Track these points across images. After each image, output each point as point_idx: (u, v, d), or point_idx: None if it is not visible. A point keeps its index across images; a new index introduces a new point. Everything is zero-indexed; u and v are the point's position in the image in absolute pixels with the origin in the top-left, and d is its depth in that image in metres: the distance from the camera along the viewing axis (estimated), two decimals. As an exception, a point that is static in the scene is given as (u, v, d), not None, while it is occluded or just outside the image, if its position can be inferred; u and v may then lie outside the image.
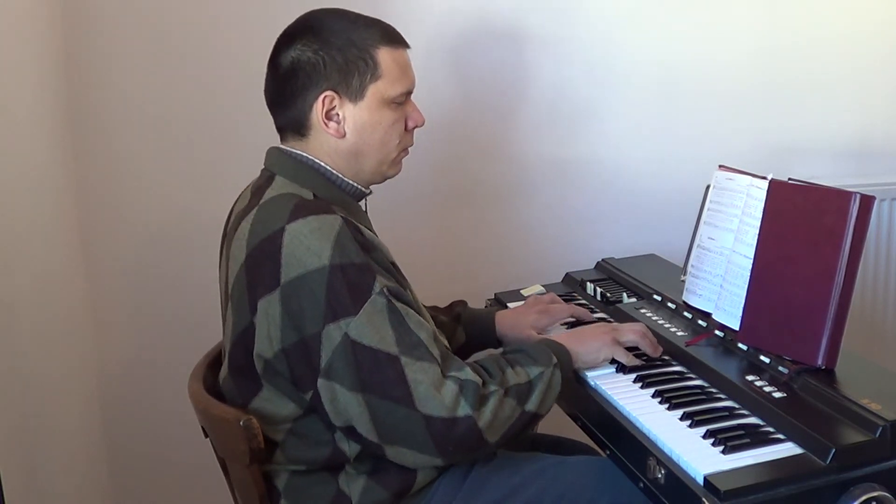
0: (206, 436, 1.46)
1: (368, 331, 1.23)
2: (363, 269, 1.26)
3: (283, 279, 1.25)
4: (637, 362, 1.45)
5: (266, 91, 1.42)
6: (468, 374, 1.27)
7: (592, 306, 1.79)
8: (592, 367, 1.46)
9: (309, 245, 1.24)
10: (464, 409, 1.23)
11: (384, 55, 1.37)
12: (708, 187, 1.66)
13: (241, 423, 1.27)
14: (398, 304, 1.27)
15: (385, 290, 1.26)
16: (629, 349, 1.47)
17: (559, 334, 1.49)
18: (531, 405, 1.31)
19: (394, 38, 1.40)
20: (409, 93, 1.42)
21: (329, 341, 1.23)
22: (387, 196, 2.14)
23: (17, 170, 1.59)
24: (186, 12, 1.99)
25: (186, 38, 2.00)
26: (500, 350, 1.41)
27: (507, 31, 2.20)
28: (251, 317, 1.29)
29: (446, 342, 1.53)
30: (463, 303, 1.75)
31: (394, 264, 1.38)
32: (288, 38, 1.38)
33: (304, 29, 1.37)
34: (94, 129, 1.99)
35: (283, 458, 1.35)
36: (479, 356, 1.47)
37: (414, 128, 1.45)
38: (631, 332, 1.47)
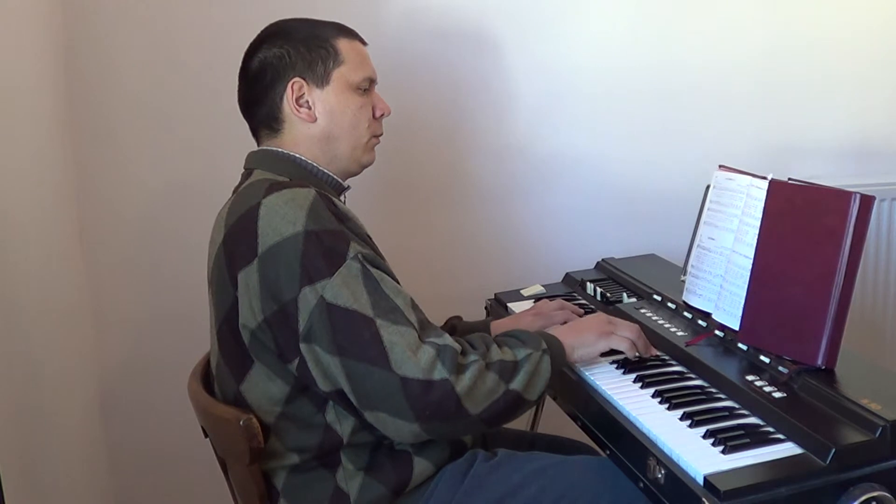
0: (206, 436, 1.46)
1: (344, 292, 1.25)
2: (338, 234, 1.29)
3: (259, 249, 1.28)
4: (635, 353, 1.45)
5: (239, 98, 1.50)
6: (447, 340, 1.28)
7: (592, 306, 1.79)
8: (591, 363, 1.46)
9: (284, 214, 1.27)
10: (440, 373, 1.23)
11: (343, 44, 1.46)
12: (708, 187, 1.66)
13: (241, 422, 1.28)
14: (373, 270, 1.29)
15: (360, 255, 1.29)
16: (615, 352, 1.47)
17: (556, 327, 1.48)
18: (516, 384, 1.29)
19: (351, 32, 1.50)
20: (371, 81, 1.49)
21: (305, 304, 1.25)
22: (387, 196, 2.15)
23: (16, 167, 1.59)
24: (186, 9, 2.00)
25: (186, 35, 2.01)
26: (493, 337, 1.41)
27: (507, 31, 2.21)
28: (234, 292, 1.32)
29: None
30: (458, 318, 1.75)
31: (370, 237, 1.40)
32: (253, 46, 1.48)
33: (267, 34, 1.48)
34: (93, 126, 1.99)
35: (278, 446, 1.35)
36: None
37: (381, 116, 1.51)
38: (627, 329, 1.47)
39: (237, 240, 1.31)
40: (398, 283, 1.35)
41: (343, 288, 1.25)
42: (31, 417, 1.59)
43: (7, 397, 1.47)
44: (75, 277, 1.97)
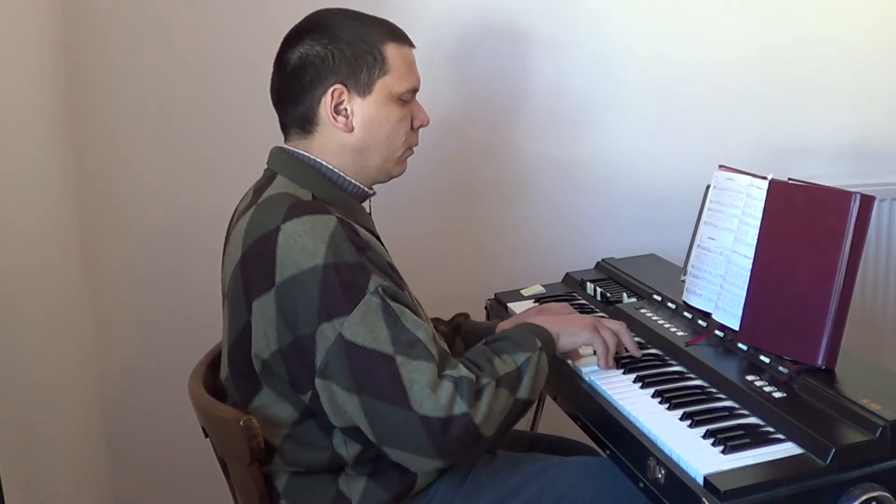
0: (206, 436, 1.46)
1: (362, 330, 1.22)
2: (357, 268, 1.25)
3: (277, 279, 1.25)
4: (603, 362, 1.44)
5: (272, 89, 1.42)
6: (462, 370, 1.25)
7: (592, 306, 1.79)
8: (591, 362, 1.45)
9: (304, 245, 1.24)
10: (460, 407, 1.21)
11: (392, 51, 1.38)
12: (708, 187, 1.66)
13: (241, 423, 1.27)
14: (393, 304, 1.26)
15: (380, 289, 1.25)
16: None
17: (539, 317, 1.46)
18: (523, 392, 1.29)
19: (401, 37, 1.42)
20: (415, 90, 1.43)
21: (323, 341, 1.23)
22: (387, 196, 2.14)
23: (17, 168, 1.59)
24: (188, 9, 1.99)
25: (188, 35, 2.00)
26: (484, 341, 1.39)
27: (508, 31, 2.20)
28: (248, 317, 1.29)
29: (447, 347, 1.52)
30: (465, 315, 1.74)
31: (391, 265, 1.36)
32: (296, 36, 1.39)
33: (313, 26, 1.39)
34: (94, 127, 1.99)
35: (281, 463, 1.35)
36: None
37: (419, 127, 1.45)
38: (615, 323, 1.47)
39: (254, 263, 1.28)
40: (419, 316, 1.32)
41: (361, 325, 1.22)
42: (31, 419, 1.59)
43: (7, 399, 1.47)
44: (76, 279, 1.97)
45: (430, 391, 1.21)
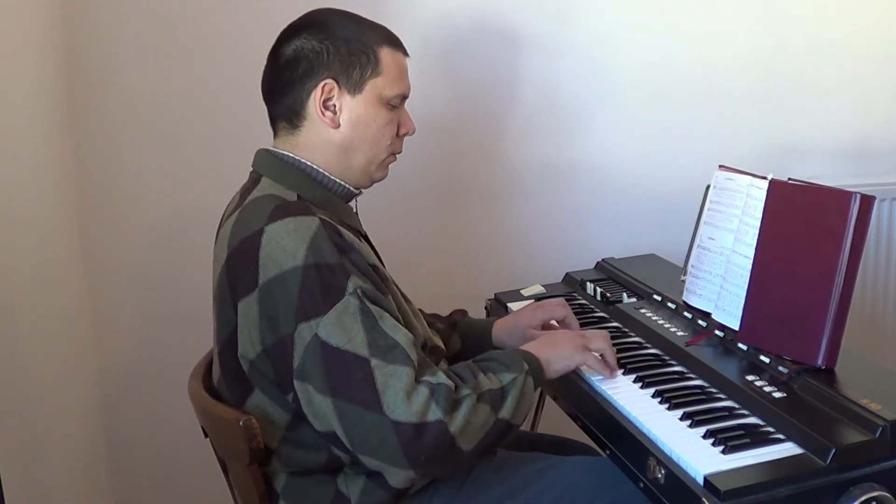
0: (206, 436, 1.46)
1: (338, 331, 1.22)
2: (337, 269, 1.25)
3: (260, 280, 1.25)
4: (608, 372, 1.43)
5: (264, 80, 1.43)
6: (441, 377, 1.23)
7: (592, 306, 1.79)
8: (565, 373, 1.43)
9: (285, 246, 1.24)
10: (434, 414, 1.19)
11: (386, 54, 1.40)
12: (708, 187, 1.66)
13: (241, 423, 1.27)
14: (372, 307, 1.25)
15: (359, 290, 1.25)
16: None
17: (529, 343, 1.44)
18: (505, 412, 1.27)
19: (396, 43, 1.43)
20: (404, 97, 1.44)
21: (300, 341, 1.23)
22: (387, 196, 2.14)
23: (16, 168, 1.59)
24: (187, 10, 1.99)
25: (188, 35, 2.00)
26: (472, 360, 1.37)
27: (506, 32, 2.20)
28: (235, 318, 1.30)
29: (442, 345, 1.52)
30: (463, 311, 1.73)
31: (375, 267, 1.35)
32: (292, 31, 1.40)
33: (310, 23, 1.40)
34: (94, 127, 1.99)
35: (280, 465, 1.35)
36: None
37: (405, 135, 1.46)
38: (600, 339, 1.45)
39: (239, 265, 1.29)
40: (404, 320, 1.31)
41: (337, 326, 1.22)
42: (31, 419, 1.59)
43: (8, 399, 1.47)
44: (75, 279, 1.97)
45: (404, 396, 1.19)
